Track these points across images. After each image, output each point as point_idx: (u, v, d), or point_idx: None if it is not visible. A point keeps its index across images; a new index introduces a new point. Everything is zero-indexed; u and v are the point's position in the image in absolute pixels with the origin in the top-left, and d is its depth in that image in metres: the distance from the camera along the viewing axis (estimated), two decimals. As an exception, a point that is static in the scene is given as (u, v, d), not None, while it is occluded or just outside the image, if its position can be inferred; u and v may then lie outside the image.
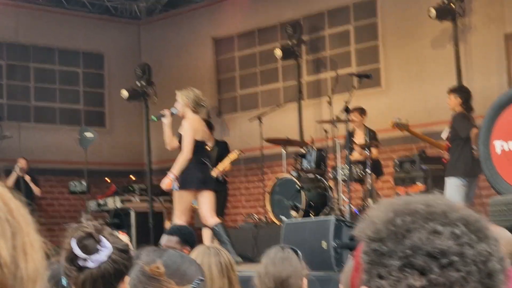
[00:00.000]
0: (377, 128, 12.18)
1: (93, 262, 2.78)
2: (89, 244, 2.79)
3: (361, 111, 11.91)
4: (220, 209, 11.99)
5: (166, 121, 9.63)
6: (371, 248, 1.41)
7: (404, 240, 1.37)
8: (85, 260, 2.77)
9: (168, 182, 9.37)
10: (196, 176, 9.42)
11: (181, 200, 9.46)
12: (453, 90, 10.63)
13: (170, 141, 9.71)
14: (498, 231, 4.77)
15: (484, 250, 1.36)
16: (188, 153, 9.31)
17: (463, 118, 10.63)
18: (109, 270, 2.79)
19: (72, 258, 2.79)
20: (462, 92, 10.66)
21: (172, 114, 9.61)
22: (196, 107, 9.47)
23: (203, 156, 9.58)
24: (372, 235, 1.42)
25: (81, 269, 2.79)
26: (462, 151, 10.35)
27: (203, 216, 9.64)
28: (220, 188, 11.86)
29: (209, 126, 12.29)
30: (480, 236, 1.38)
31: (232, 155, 11.67)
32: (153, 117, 10.21)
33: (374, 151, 11.77)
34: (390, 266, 1.37)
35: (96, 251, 2.79)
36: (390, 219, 1.40)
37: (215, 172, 11.75)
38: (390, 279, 1.36)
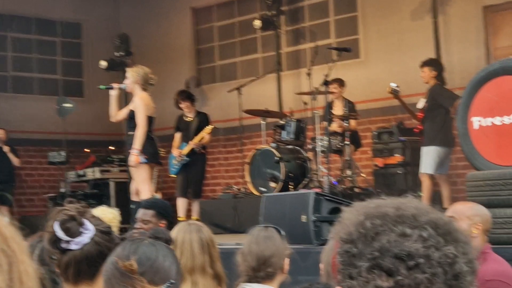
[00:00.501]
0: (356, 100, 12.23)
1: (76, 244, 2.80)
2: (72, 227, 2.81)
3: (341, 83, 11.94)
4: (198, 181, 12.05)
5: (114, 93, 9.93)
6: (344, 250, 1.46)
7: (373, 242, 1.42)
8: (67, 242, 2.80)
9: (135, 158, 9.55)
10: (149, 151, 9.67)
11: (143, 172, 9.68)
12: (427, 63, 10.70)
13: (115, 114, 10.04)
14: (475, 208, 4.85)
15: (451, 253, 1.41)
16: (144, 127, 9.58)
17: (445, 89, 10.74)
18: (92, 252, 2.82)
19: (55, 241, 2.82)
20: (436, 65, 10.76)
21: (120, 88, 9.91)
22: (145, 84, 9.72)
23: (151, 131, 9.86)
24: (344, 236, 1.47)
25: (64, 251, 2.82)
26: (444, 120, 10.48)
27: (135, 189, 9.85)
28: (197, 160, 11.94)
29: (190, 97, 12.30)
30: (448, 239, 1.43)
31: (206, 130, 11.79)
32: (101, 86, 10.45)
33: (352, 122, 11.83)
34: (360, 267, 1.42)
35: (79, 233, 2.81)
36: (360, 221, 1.46)
37: (191, 145, 11.83)
38: (359, 280, 1.41)
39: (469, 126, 7.32)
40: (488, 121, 7.19)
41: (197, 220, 11.47)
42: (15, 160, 14.00)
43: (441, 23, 12.30)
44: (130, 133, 9.75)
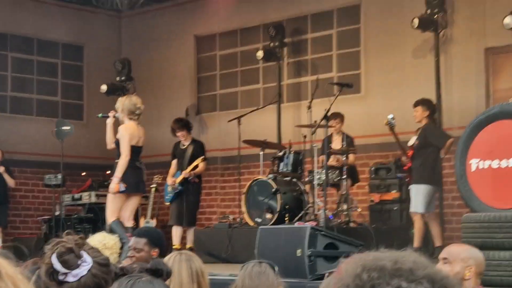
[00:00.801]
0: (355, 134, 12.25)
1: (73, 276, 2.79)
2: (69, 259, 2.80)
3: (341, 118, 11.99)
4: (192, 210, 12.06)
5: (109, 121, 10.29)
6: None
7: None
8: (65, 274, 2.79)
9: (115, 186, 9.78)
10: (130, 181, 9.84)
11: (116, 201, 9.92)
12: (420, 103, 10.82)
13: (110, 142, 10.34)
14: (470, 250, 4.84)
15: None
16: (127, 156, 9.80)
17: (437, 128, 10.80)
18: (89, 284, 2.80)
19: (52, 273, 2.80)
20: (429, 105, 10.83)
21: (115, 117, 10.22)
22: (131, 114, 9.94)
23: (137, 160, 10.06)
24: (342, 287, 1.46)
25: (61, 283, 2.80)
26: (435, 160, 10.55)
27: (123, 216, 10.01)
28: (191, 188, 11.96)
29: (187, 126, 12.29)
30: None
31: (198, 160, 11.89)
32: (99, 115, 10.73)
33: (351, 157, 11.85)
34: None
35: (76, 266, 2.80)
36: (357, 274, 1.45)
37: (183, 174, 11.86)
38: None
39: (467, 168, 7.34)
40: (486, 164, 7.21)
41: (191, 248, 11.45)
42: (10, 181, 13.92)
43: (443, 62, 12.35)
44: (116, 161, 9.98)
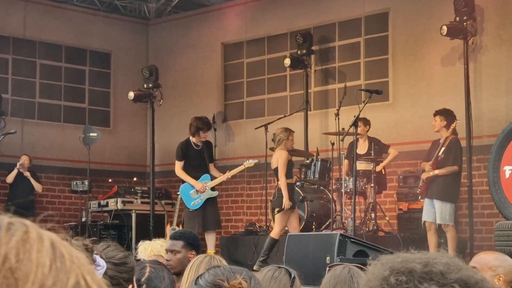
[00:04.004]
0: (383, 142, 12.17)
1: None
2: None
3: (365, 122, 11.87)
4: (217, 213, 11.96)
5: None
6: None
7: None
8: None
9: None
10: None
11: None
12: (439, 112, 10.81)
13: None
14: (499, 258, 4.75)
15: None
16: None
17: (461, 148, 10.77)
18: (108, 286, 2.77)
19: None
20: (448, 115, 10.77)
21: None
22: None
23: None
24: None
25: None
26: (457, 177, 10.66)
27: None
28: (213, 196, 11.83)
29: (209, 125, 12.13)
30: None
31: (249, 164, 11.75)
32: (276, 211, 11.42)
33: (392, 150, 11.81)
34: None
35: None
36: (385, 277, 1.39)
37: (223, 177, 11.72)
38: None
39: (501, 175, 7.26)
40: (520, 171, 7.13)
41: (214, 253, 11.39)
42: (37, 186, 13.99)
43: (472, 70, 12.25)
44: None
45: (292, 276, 4.49)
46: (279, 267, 4.53)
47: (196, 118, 12.11)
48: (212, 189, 11.72)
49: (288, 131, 11.10)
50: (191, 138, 11.91)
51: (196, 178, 11.74)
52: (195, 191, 11.68)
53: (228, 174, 11.72)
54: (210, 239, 11.76)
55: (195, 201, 11.74)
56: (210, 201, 11.73)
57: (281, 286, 4.34)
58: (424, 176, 10.68)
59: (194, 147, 11.88)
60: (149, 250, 6.55)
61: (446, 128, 10.67)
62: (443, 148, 10.62)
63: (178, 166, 11.86)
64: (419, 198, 10.96)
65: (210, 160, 11.85)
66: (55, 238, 1.07)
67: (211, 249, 11.66)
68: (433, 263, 1.38)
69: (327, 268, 4.43)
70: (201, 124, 11.90)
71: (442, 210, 10.48)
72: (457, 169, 10.71)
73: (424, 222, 10.71)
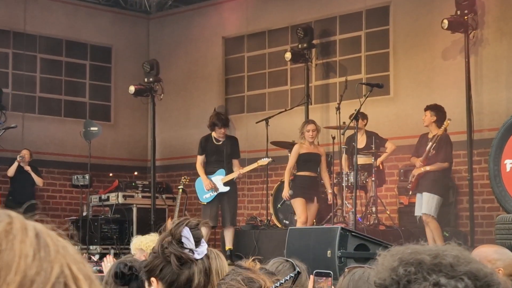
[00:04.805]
0: (383, 136, 12.14)
1: (198, 254, 2.78)
2: (197, 234, 2.77)
3: (363, 116, 11.82)
4: (235, 212, 12.00)
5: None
6: None
7: None
8: (192, 251, 2.79)
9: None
10: None
11: None
12: (430, 108, 10.84)
13: None
14: (499, 251, 4.74)
15: None
16: None
17: (451, 144, 10.79)
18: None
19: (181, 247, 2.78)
20: (439, 111, 10.79)
21: None
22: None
23: None
24: (378, 281, 1.41)
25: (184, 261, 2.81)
26: (447, 173, 10.72)
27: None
28: (232, 189, 11.84)
29: (228, 122, 12.12)
30: None
31: (263, 162, 11.74)
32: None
33: (389, 144, 11.82)
34: None
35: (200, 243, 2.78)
36: (394, 267, 1.39)
37: (236, 172, 11.71)
38: None
39: (502, 168, 7.26)
40: (521, 164, 7.12)
41: (230, 250, 11.42)
42: (38, 180, 13.99)
43: (473, 64, 12.23)
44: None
45: (296, 271, 4.48)
46: (287, 261, 4.53)
47: (215, 113, 12.19)
48: (226, 184, 11.71)
49: (304, 123, 11.21)
50: (213, 133, 11.93)
51: (212, 173, 11.80)
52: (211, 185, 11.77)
53: (240, 171, 11.72)
54: (227, 235, 11.78)
55: (207, 195, 11.81)
56: (226, 197, 11.73)
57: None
58: (416, 172, 10.71)
59: (214, 142, 11.89)
60: (137, 243, 6.56)
61: (436, 124, 10.71)
62: (432, 144, 10.64)
63: (198, 160, 11.98)
64: (410, 193, 10.99)
65: (233, 155, 11.82)
66: (41, 229, 1.08)
67: (228, 245, 11.69)
68: (442, 255, 1.38)
69: (346, 270, 4.40)
70: (216, 120, 11.86)
71: (429, 201, 10.56)
72: (447, 165, 10.77)
73: (420, 217, 10.73)
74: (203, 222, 2.82)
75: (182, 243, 2.71)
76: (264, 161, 11.82)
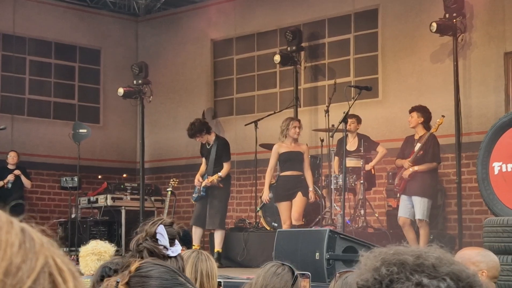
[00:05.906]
0: (372, 139, 12.17)
1: (172, 252, 2.82)
2: (172, 232, 2.79)
3: (358, 119, 11.88)
4: (214, 215, 11.98)
5: None
6: None
7: None
8: (166, 248, 2.82)
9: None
10: None
11: None
12: (416, 109, 10.88)
13: None
14: (482, 253, 4.76)
15: None
16: None
17: (439, 145, 10.82)
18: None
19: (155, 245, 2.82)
20: (424, 112, 10.83)
21: None
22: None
23: None
24: (360, 282, 1.43)
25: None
26: (435, 173, 10.74)
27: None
28: (215, 194, 11.87)
29: (200, 129, 12.05)
30: None
31: (214, 177, 11.77)
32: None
33: (380, 148, 11.84)
34: None
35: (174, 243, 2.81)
36: (376, 268, 1.41)
37: (205, 182, 11.77)
38: None
39: (490, 171, 7.28)
40: (509, 167, 7.14)
41: (218, 252, 11.42)
42: (26, 182, 13.96)
43: (461, 67, 12.28)
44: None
45: (295, 274, 4.51)
46: (283, 264, 4.55)
47: (190, 124, 12.16)
48: (204, 188, 11.81)
49: (288, 120, 11.17)
50: None
51: (203, 175, 12.04)
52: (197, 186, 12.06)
53: (207, 181, 11.76)
54: (216, 238, 11.81)
55: (195, 194, 12.11)
56: (213, 201, 11.81)
57: (282, 283, 4.34)
58: (406, 174, 10.69)
59: (206, 145, 12.13)
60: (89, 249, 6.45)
61: (422, 125, 10.74)
62: (419, 144, 10.68)
63: (203, 162, 12.24)
64: (397, 195, 11.00)
65: (218, 159, 11.86)
66: (26, 226, 1.10)
67: (217, 247, 11.69)
68: (425, 256, 1.40)
69: (337, 274, 4.43)
70: (190, 131, 12.06)
71: (421, 205, 10.58)
72: (436, 165, 10.81)
73: (399, 218, 10.74)
74: (177, 223, 2.86)
75: (157, 239, 2.76)
76: (214, 176, 11.80)
